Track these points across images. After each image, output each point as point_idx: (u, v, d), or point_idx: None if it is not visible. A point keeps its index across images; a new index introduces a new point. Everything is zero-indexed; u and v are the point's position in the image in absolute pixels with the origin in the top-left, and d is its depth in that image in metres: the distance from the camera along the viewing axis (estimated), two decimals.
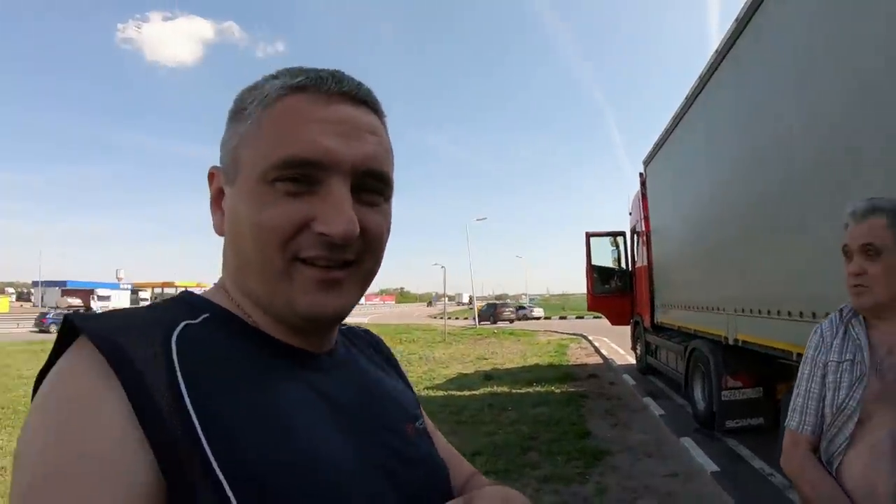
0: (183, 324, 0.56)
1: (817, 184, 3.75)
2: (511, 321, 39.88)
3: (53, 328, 28.64)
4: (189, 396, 0.50)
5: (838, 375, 1.46)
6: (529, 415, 7.64)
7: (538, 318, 44.83)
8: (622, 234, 12.36)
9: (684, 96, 6.95)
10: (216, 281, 0.68)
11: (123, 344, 0.51)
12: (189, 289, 0.69)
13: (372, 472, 0.61)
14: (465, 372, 12.77)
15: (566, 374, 11.49)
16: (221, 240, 0.65)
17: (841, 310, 1.56)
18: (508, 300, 71.81)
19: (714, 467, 5.01)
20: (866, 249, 1.41)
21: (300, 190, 0.58)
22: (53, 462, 0.45)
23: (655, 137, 8.80)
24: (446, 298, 37.08)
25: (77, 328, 0.53)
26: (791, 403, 1.58)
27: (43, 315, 32.65)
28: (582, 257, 12.32)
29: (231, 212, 0.62)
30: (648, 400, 8.21)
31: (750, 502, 4.14)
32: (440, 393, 9.75)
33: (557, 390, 9.60)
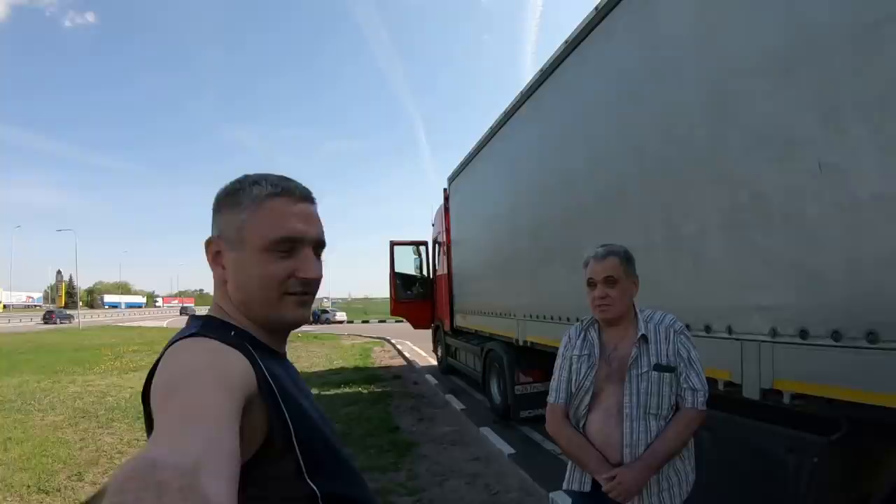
0: (233, 332, 0.95)
1: (591, 217, 4.51)
2: None
3: None
4: (260, 362, 0.89)
5: (579, 364, 2.12)
6: (341, 413, 7.83)
7: (341, 322, 44.85)
8: (424, 243, 12.63)
9: (489, 127, 7.43)
10: (211, 308, 1.04)
11: (220, 336, 0.90)
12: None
13: (324, 419, 1.05)
14: None
15: (372, 375, 11.81)
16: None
17: (582, 320, 2.24)
18: None
19: (511, 450, 5.69)
20: (608, 280, 2.07)
21: (286, 255, 0.97)
22: (216, 370, 0.80)
23: (461, 157, 9.20)
24: None
25: (194, 333, 0.91)
26: (550, 385, 2.23)
27: None
28: (385, 263, 12.47)
29: (238, 267, 0.98)
30: (450, 397, 8.84)
31: (541, 475, 4.75)
32: None
33: (365, 391, 9.88)
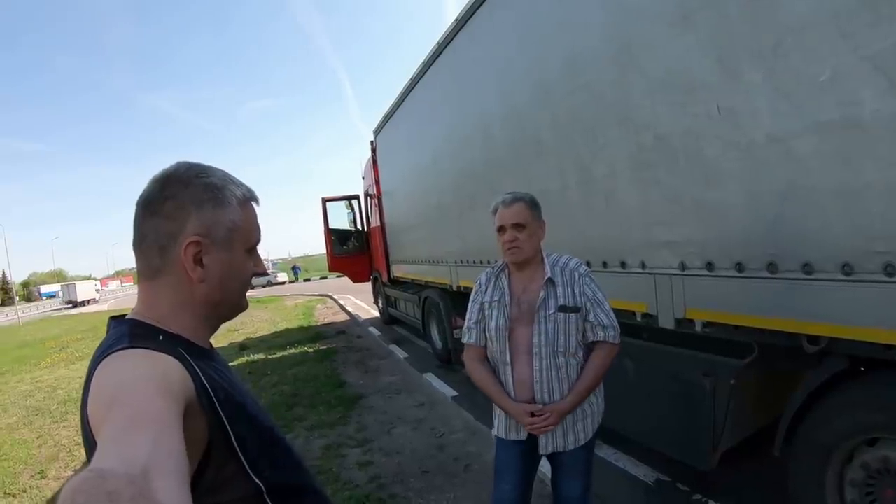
0: (161, 336, 0.89)
1: (509, 163, 4.49)
2: None
3: None
4: (195, 367, 0.85)
5: (491, 310, 2.15)
6: (288, 375, 7.72)
7: (283, 283, 43.89)
8: (356, 197, 12.21)
9: (410, 77, 7.12)
10: (136, 310, 0.97)
11: (152, 344, 0.84)
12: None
13: (258, 408, 1.03)
14: (218, 346, 11.99)
15: (316, 333, 11.63)
16: None
17: (493, 268, 2.26)
18: None
19: (454, 393, 5.78)
20: (517, 225, 2.08)
21: (251, 254, 1.01)
22: (156, 380, 0.75)
23: (386, 109, 8.82)
24: None
25: (128, 346, 0.84)
26: (464, 328, 2.28)
27: None
28: (320, 219, 12.02)
29: (227, 268, 0.97)
30: (394, 346, 8.85)
31: (484, 414, 4.74)
32: None
33: (310, 350, 9.73)
